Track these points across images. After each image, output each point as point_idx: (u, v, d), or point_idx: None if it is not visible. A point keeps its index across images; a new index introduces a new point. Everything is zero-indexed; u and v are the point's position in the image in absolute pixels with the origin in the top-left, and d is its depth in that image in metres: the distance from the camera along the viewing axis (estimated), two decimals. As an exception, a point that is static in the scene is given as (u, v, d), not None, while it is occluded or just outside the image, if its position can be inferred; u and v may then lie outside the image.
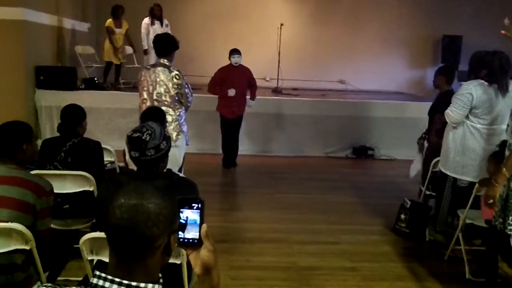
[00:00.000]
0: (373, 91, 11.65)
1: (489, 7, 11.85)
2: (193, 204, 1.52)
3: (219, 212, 5.81)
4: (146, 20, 9.54)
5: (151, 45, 9.39)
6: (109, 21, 9.41)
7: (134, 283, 1.39)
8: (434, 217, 5.08)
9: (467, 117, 4.48)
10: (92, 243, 2.57)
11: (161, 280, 1.48)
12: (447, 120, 4.61)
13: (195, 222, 1.52)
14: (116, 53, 9.53)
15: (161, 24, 9.53)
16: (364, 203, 6.33)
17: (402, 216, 5.24)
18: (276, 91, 10.54)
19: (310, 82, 11.80)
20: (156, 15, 9.48)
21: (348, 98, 9.93)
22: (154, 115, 4.15)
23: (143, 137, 2.67)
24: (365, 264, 4.57)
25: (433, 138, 5.49)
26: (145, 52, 9.71)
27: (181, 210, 1.51)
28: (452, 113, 4.51)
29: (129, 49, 10.03)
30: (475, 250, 4.58)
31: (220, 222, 5.49)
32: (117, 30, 9.45)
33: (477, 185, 4.23)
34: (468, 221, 4.38)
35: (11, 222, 2.68)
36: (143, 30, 9.57)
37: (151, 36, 9.33)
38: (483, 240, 4.58)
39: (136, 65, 10.16)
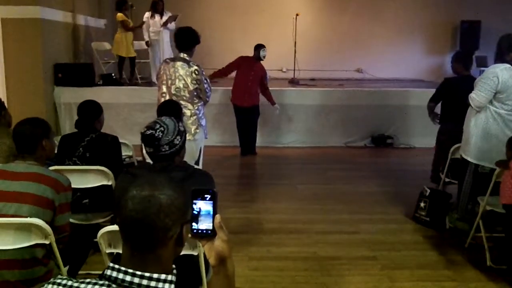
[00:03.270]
0: (391, 79, 11.57)
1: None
2: (206, 195, 1.52)
3: (240, 204, 5.83)
4: (147, 14, 9.56)
5: (153, 37, 9.53)
6: (121, 15, 9.40)
7: (147, 274, 1.40)
8: (456, 204, 5.04)
9: (490, 102, 4.41)
10: (110, 236, 2.59)
11: (174, 271, 1.49)
12: (471, 104, 4.53)
13: (209, 213, 1.52)
14: (131, 46, 9.57)
15: (161, 17, 9.51)
16: (384, 192, 6.30)
17: (422, 204, 5.21)
18: (293, 82, 10.51)
19: (327, 72, 11.75)
20: (158, 9, 9.47)
21: (366, 87, 9.88)
22: (170, 108, 4.16)
23: (156, 134, 2.69)
24: (386, 253, 4.55)
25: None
26: (147, 44, 9.80)
27: (194, 201, 1.52)
28: (477, 96, 4.43)
29: (140, 44, 10.06)
30: (496, 237, 4.53)
31: (240, 214, 5.51)
32: (130, 23, 9.49)
33: (497, 170, 4.18)
34: (488, 207, 4.34)
35: (31, 217, 2.72)
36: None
37: (151, 29, 9.44)
38: (503, 226, 4.53)
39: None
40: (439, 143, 5.63)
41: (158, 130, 2.70)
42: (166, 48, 9.48)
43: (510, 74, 4.31)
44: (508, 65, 4.35)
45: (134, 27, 9.52)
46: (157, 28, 9.45)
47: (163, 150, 2.71)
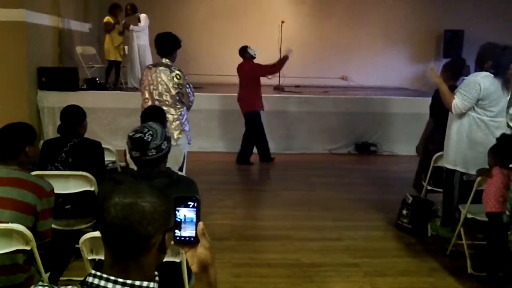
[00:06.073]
0: (376, 87, 11.64)
1: (491, 0, 11.82)
2: (189, 203, 1.53)
3: (223, 210, 5.82)
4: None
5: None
6: (107, 18, 9.47)
7: (129, 281, 1.40)
8: (445, 213, 5.04)
9: (473, 109, 4.45)
10: (92, 242, 2.58)
11: (157, 278, 1.49)
12: (452, 111, 4.55)
13: (192, 220, 1.53)
14: (118, 50, 9.56)
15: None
16: (367, 199, 6.32)
17: (404, 212, 5.23)
18: (278, 88, 10.53)
19: (312, 79, 11.78)
20: (128, 14, 9.50)
21: (351, 94, 9.93)
22: (154, 114, 4.16)
23: (145, 138, 2.69)
24: (368, 260, 4.56)
25: (420, 144, 5.56)
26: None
27: (178, 208, 1.52)
28: (460, 104, 4.45)
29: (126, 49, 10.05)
30: (477, 244, 4.57)
31: (223, 220, 5.50)
32: (116, 27, 9.52)
33: (478, 179, 4.21)
34: (469, 215, 4.37)
35: (12, 223, 2.70)
36: None
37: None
38: (484, 234, 4.57)
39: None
40: (427, 152, 5.64)
41: (147, 134, 2.70)
42: (145, 51, 9.46)
43: (491, 82, 4.36)
44: (487, 73, 4.40)
45: (111, 28, 9.50)
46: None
47: (150, 154, 2.71)
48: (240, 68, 8.01)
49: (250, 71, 7.90)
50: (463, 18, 11.86)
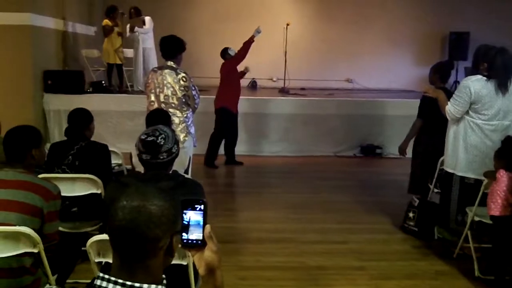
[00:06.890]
0: (381, 89, 11.62)
1: (497, 2, 11.79)
2: (196, 206, 1.53)
3: (227, 213, 5.82)
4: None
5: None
6: (105, 21, 9.50)
7: (137, 284, 1.40)
8: (442, 215, 5.04)
9: (467, 113, 4.44)
10: (99, 245, 2.58)
11: (164, 281, 1.49)
12: (447, 117, 4.58)
13: (199, 223, 1.53)
14: (116, 52, 9.58)
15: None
16: (372, 202, 6.32)
17: (411, 214, 5.22)
18: (283, 91, 10.55)
19: (317, 81, 11.79)
20: (132, 17, 9.57)
21: (356, 97, 9.92)
22: (159, 117, 4.17)
23: (158, 141, 2.70)
24: (374, 263, 4.56)
25: (404, 144, 5.59)
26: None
27: (185, 211, 1.52)
28: (452, 109, 4.47)
29: (129, 52, 10.07)
30: (484, 247, 4.55)
31: (228, 223, 5.50)
32: (115, 29, 9.55)
33: (485, 181, 4.21)
34: (476, 218, 4.36)
35: (19, 225, 2.70)
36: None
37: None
38: (490, 237, 4.54)
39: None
40: (416, 154, 5.67)
41: (160, 137, 2.72)
42: (150, 54, 9.51)
43: (482, 85, 4.34)
44: (480, 76, 4.39)
45: (109, 31, 9.52)
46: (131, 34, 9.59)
47: (161, 157, 2.72)
48: (220, 69, 8.09)
49: (227, 70, 7.97)
50: (468, 20, 11.83)
